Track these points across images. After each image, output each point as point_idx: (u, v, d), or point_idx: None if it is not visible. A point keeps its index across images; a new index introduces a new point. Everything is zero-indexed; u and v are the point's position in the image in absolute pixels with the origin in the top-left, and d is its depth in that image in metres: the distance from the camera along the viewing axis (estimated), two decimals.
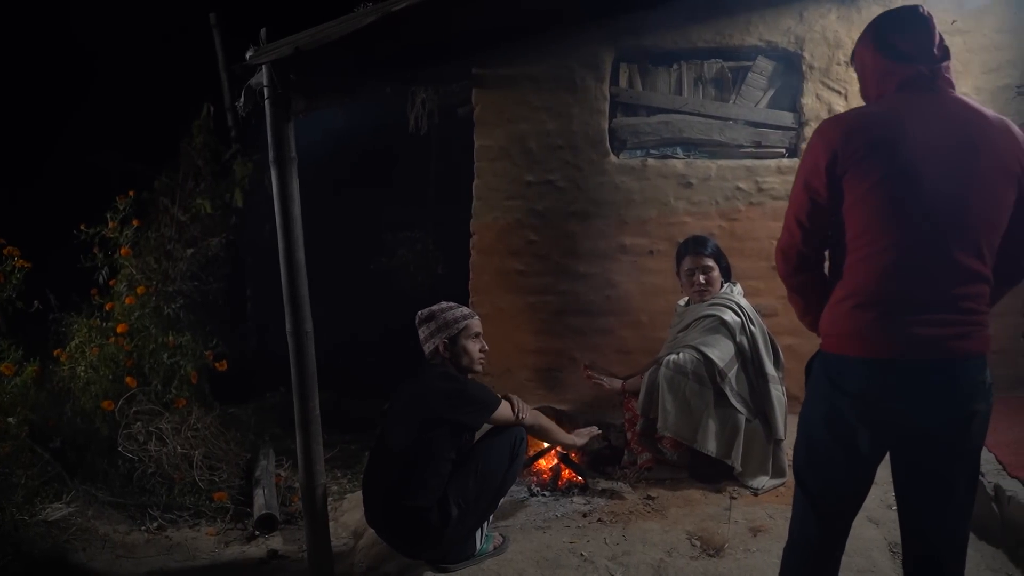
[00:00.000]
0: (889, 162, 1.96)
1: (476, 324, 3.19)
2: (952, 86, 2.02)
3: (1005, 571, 2.87)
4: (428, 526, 2.88)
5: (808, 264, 2.16)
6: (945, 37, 4.21)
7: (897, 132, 1.97)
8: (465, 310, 3.20)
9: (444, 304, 3.19)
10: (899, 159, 1.95)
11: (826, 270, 2.19)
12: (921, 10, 2.03)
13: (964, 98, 2.02)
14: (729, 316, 3.75)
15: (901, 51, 2.02)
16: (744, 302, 3.84)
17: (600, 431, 3.79)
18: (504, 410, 3.12)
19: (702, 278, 3.83)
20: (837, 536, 2.18)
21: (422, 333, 3.15)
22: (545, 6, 3.41)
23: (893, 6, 4.22)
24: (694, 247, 3.89)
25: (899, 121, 1.98)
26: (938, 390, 1.96)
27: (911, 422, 2.00)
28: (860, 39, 2.15)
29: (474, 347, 3.15)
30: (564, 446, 3.67)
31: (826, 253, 2.18)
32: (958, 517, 2.06)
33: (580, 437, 3.59)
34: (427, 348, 3.14)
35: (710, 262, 3.85)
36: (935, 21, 2.02)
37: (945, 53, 2.02)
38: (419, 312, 3.19)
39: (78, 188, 5.55)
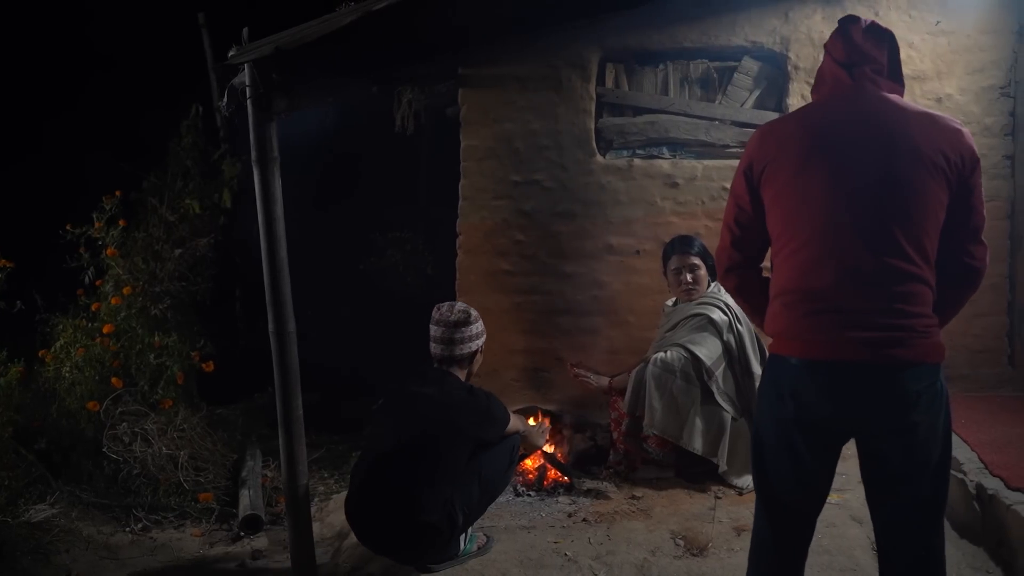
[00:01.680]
0: (799, 162, 2.00)
1: None
2: (882, 87, 2.04)
3: (986, 569, 2.89)
4: (437, 536, 2.87)
5: (737, 266, 2.22)
6: (930, 38, 4.23)
7: (806, 131, 2.02)
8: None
9: (473, 310, 3.19)
10: (811, 159, 1.98)
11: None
12: (849, 19, 2.09)
13: (886, 95, 2.03)
14: (717, 315, 3.77)
15: (833, 57, 2.09)
16: (731, 301, 3.85)
17: (548, 423, 3.90)
18: (512, 422, 3.18)
19: (689, 277, 3.86)
20: (793, 539, 2.15)
21: (449, 334, 3.08)
22: (523, 6, 3.41)
23: (879, 7, 4.30)
24: (680, 247, 3.91)
25: (811, 122, 2.05)
26: (873, 397, 1.94)
27: (851, 428, 2.00)
28: None
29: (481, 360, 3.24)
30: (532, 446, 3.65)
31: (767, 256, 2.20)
32: (920, 531, 2.02)
33: (541, 437, 3.58)
34: (448, 352, 3.08)
35: (697, 261, 3.87)
36: (867, 24, 2.06)
37: (874, 55, 2.04)
38: (456, 310, 3.13)
39: (65, 188, 5.55)
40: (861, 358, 1.90)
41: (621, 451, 3.87)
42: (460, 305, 3.18)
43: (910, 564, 2.04)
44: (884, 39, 2.07)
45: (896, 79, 2.09)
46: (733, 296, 2.35)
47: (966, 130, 2.01)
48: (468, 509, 2.92)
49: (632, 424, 3.79)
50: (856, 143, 1.97)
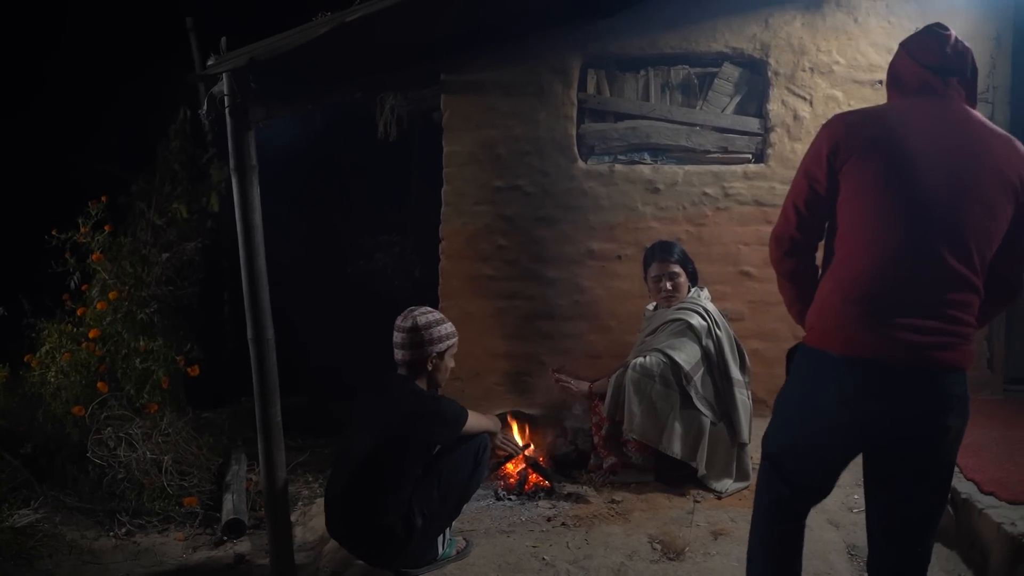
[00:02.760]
0: (886, 159, 2.02)
1: (457, 341, 3.19)
2: (964, 98, 2.08)
3: (958, 572, 2.93)
4: (392, 538, 2.88)
5: (798, 250, 2.22)
6: None
7: (898, 132, 2.04)
8: (452, 325, 3.16)
9: (435, 314, 3.11)
10: (896, 158, 2.01)
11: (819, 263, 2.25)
12: (940, 27, 2.11)
13: (972, 111, 2.08)
14: (696, 320, 3.79)
15: (918, 59, 2.10)
16: (711, 307, 3.88)
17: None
18: (473, 421, 3.12)
19: (668, 284, 3.88)
20: (797, 512, 2.27)
21: (408, 339, 3.01)
22: (508, 14, 3.44)
23: (859, 14, 4.34)
24: (660, 254, 3.92)
25: (901, 122, 2.06)
26: (914, 398, 1.99)
27: (883, 427, 2.04)
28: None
29: (451, 365, 3.16)
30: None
31: (820, 246, 2.24)
32: (922, 530, 2.11)
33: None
34: (409, 357, 3.02)
35: (676, 268, 3.89)
36: (954, 37, 2.09)
37: (961, 67, 2.08)
38: (413, 318, 3.04)
39: (52, 193, 5.56)
40: (910, 360, 1.97)
41: (601, 455, 3.90)
42: (421, 310, 3.09)
43: (907, 559, 2.13)
44: (968, 56, 2.12)
45: (972, 98, 2.13)
46: (779, 281, 2.34)
47: None
48: (428, 512, 2.91)
49: (612, 428, 3.81)
50: (945, 152, 2.01)
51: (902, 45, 2.18)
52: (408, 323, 3.02)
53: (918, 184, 1.99)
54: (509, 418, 4.20)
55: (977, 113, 2.09)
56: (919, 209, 1.98)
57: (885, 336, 1.97)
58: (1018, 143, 2.07)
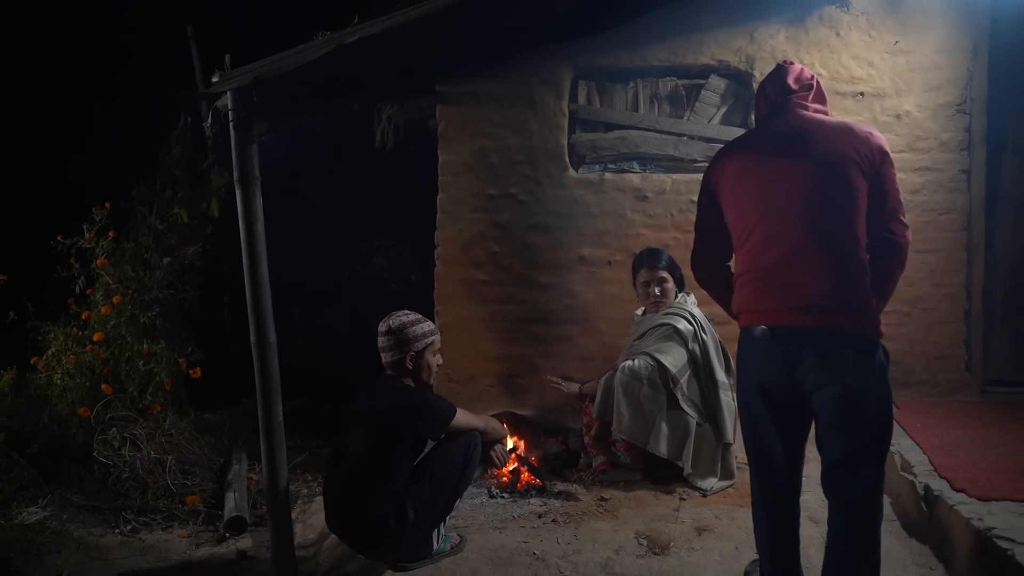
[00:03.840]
0: (739, 165, 2.52)
1: (439, 339, 3.30)
2: (805, 108, 2.51)
3: (929, 565, 3.03)
4: (386, 531, 3.01)
5: (704, 265, 2.75)
6: (889, 57, 4.42)
7: (745, 147, 2.58)
8: (431, 324, 3.27)
9: (411, 315, 3.23)
10: (744, 164, 2.51)
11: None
12: (782, 62, 2.61)
13: (809, 114, 2.51)
14: (682, 325, 3.92)
15: (767, 93, 2.59)
16: (697, 311, 4.01)
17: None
18: (461, 418, 3.21)
19: (656, 290, 4.00)
20: (779, 493, 2.55)
21: (386, 342, 3.16)
22: (501, 36, 3.56)
23: (841, 28, 4.47)
24: (649, 260, 4.05)
25: (748, 139, 2.66)
26: (805, 355, 2.31)
27: (794, 384, 2.36)
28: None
29: (435, 362, 3.26)
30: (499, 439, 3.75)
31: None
32: (854, 477, 2.35)
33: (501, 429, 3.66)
34: (390, 358, 3.17)
35: (664, 274, 4.02)
36: (797, 68, 2.58)
37: (805, 87, 2.54)
38: (388, 322, 3.18)
39: (57, 199, 5.65)
40: (799, 323, 2.32)
41: (591, 455, 4.03)
42: (397, 314, 3.23)
43: (846, 502, 2.38)
44: (811, 77, 2.60)
45: (821, 103, 2.58)
46: (705, 289, 2.80)
47: (876, 132, 2.45)
48: (420, 506, 3.04)
49: (601, 429, 3.94)
50: (778, 151, 2.46)
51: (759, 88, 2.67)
52: (384, 327, 3.18)
53: (763, 180, 2.44)
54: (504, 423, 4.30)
55: (813, 114, 2.50)
56: (769, 200, 2.42)
57: (783, 306, 2.34)
58: (855, 124, 2.46)
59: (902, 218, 2.44)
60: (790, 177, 2.40)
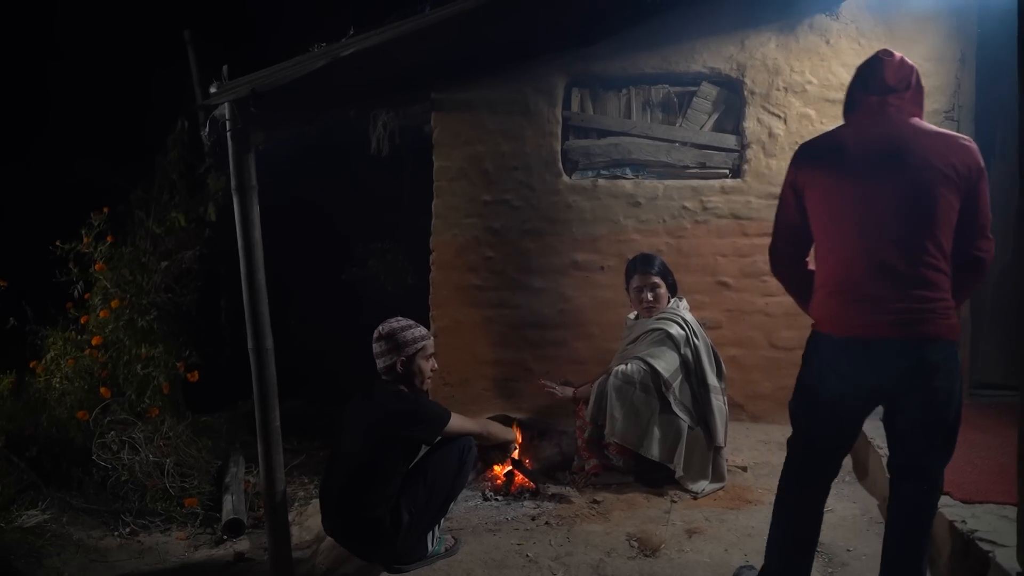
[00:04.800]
0: (830, 173, 2.44)
1: (432, 344, 3.32)
2: (905, 112, 2.42)
3: None
4: (381, 533, 3.05)
5: (783, 261, 2.69)
6: None
7: (838, 156, 2.44)
8: (423, 330, 3.30)
9: (403, 321, 3.27)
10: (836, 177, 2.42)
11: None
12: (881, 52, 2.47)
13: (910, 120, 2.42)
14: (675, 330, 3.96)
15: (864, 83, 2.47)
16: (689, 316, 4.05)
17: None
18: (455, 422, 3.25)
19: (650, 296, 4.03)
20: (824, 472, 2.60)
21: (379, 348, 3.21)
22: (493, 48, 3.61)
23: (831, 36, 4.52)
24: (642, 266, 4.07)
25: (840, 144, 2.47)
26: (892, 366, 2.35)
27: (877, 392, 2.43)
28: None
29: (427, 366, 3.28)
30: (504, 444, 3.80)
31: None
32: (928, 472, 2.49)
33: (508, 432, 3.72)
34: (383, 364, 3.21)
35: (657, 280, 4.05)
36: (897, 60, 2.42)
37: (904, 85, 2.42)
38: (379, 328, 3.23)
39: (55, 204, 5.67)
40: (890, 335, 2.34)
41: (584, 458, 4.07)
42: (389, 320, 3.26)
43: (917, 493, 2.50)
44: (911, 72, 2.45)
45: (918, 104, 2.46)
46: (783, 286, 2.77)
47: (974, 146, 2.39)
48: (415, 508, 3.08)
49: (594, 432, 3.98)
50: (875, 159, 2.38)
51: (855, 74, 2.51)
52: (377, 333, 3.23)
53: (857, 189, 2.38)
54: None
55: (916, 121, 2.42)
56: (862, 210, 2.37)
57: (869, 320, 2.35)
58: (953, 136, 2.40)
59: (989, 235, 2.45)
60: (884, 195, 2.35)
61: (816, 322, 2.54)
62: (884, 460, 3.61)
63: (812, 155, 2.52)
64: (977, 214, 2.40)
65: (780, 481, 2.67)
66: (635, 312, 4.23)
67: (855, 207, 2.38)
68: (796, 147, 2.60)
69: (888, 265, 2.34)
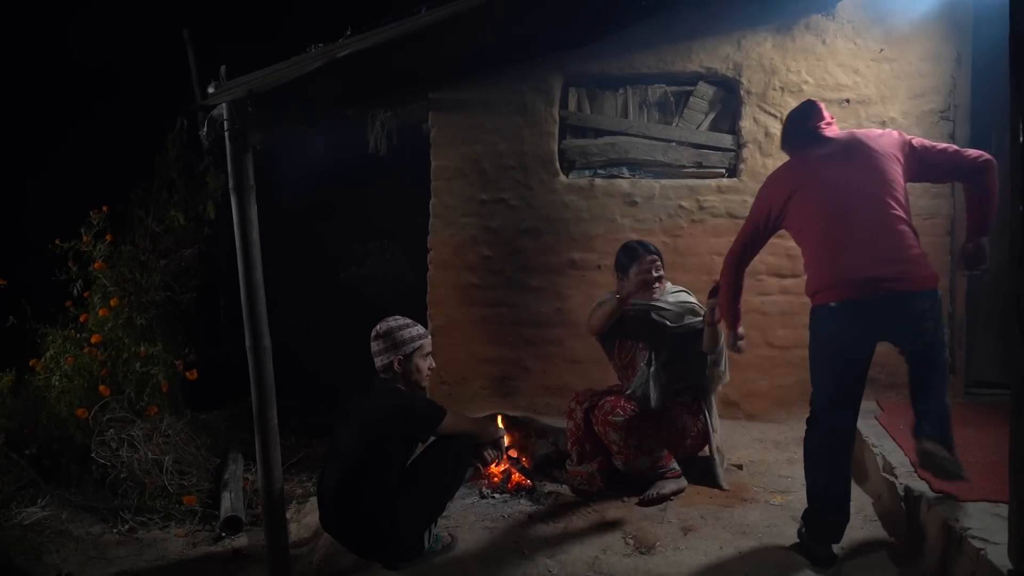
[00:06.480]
0: (805, 185, 3.04)
1: (429, 343, 3.35)
2: (833, 128, 3.14)
3: (909, 565, 3.07)
4: (378, 530, 3.08)
5: (741, 265, 3.29)
6: (874, 65, 4.55)
7: (809, 170, 3.07)
8: (420, 328, 3.33)
9: (400, 320, 3.30)
10: (811, 180, 3.03)
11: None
12: (812, 102, 3.22)
13: (851, 131, 3.12)
14: (694, 297, 3.96)
15: (807, 117, 3.17)
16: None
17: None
18: (450, 421, 3.27)
19: (661, 272, 3.85)
20: (851, 428, 3.07)
21: (376, 347, 3.24)
22: (489, 49, 3.63)
23: (827, 36, 4.54)
24: (642, 249, 3.84)
25: (808, 164, 3.10)
26: (888, 319, 2.87)
27: (872, 341, 2.97)
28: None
29: (425, 365, 3.30)
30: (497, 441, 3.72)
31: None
32: (940, 389, 2.98)
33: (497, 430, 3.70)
34: (380, 362, 3.24)
35: (657, 257, 3.95)
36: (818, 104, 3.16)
37: (830, 117, 3.18)
38: (376, 326, 3.26)
39: (54, 202, 5.68)
40: (878, 294, 2.83)
41: (583, 460, 4.06)
42: (387, 319, 3.29)
43: (936, 408, 2.95)
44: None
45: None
46: (723, 284, 3.35)
47: (890, 130, 3.11)
48: (411, 505, 3.11)
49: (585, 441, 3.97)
50: (836, 158, 3.01)
51: (792, 124, 3.24)
52: (374, 332, 3.27)
53: (828, 187, 2.97)
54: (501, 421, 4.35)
55: (856, 131, 3.14)
56: (836, 203, 2.93)
57: (855, 283, 2.85)
58: (891, 133, 3.07)
59: (966, 153, 2.97)
60: (845, 183, 2.94)
61: (813, 298, 3.03)
62: (879, 460, 3.66)
63: (788, 180, 3.13)
64: (942, 154, 3.00)
65: (807, 433, 3.10)
66: (609, 294, 4.05)
67: (827, 203, 2.97)
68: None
69: (865, 239, 2.86)
